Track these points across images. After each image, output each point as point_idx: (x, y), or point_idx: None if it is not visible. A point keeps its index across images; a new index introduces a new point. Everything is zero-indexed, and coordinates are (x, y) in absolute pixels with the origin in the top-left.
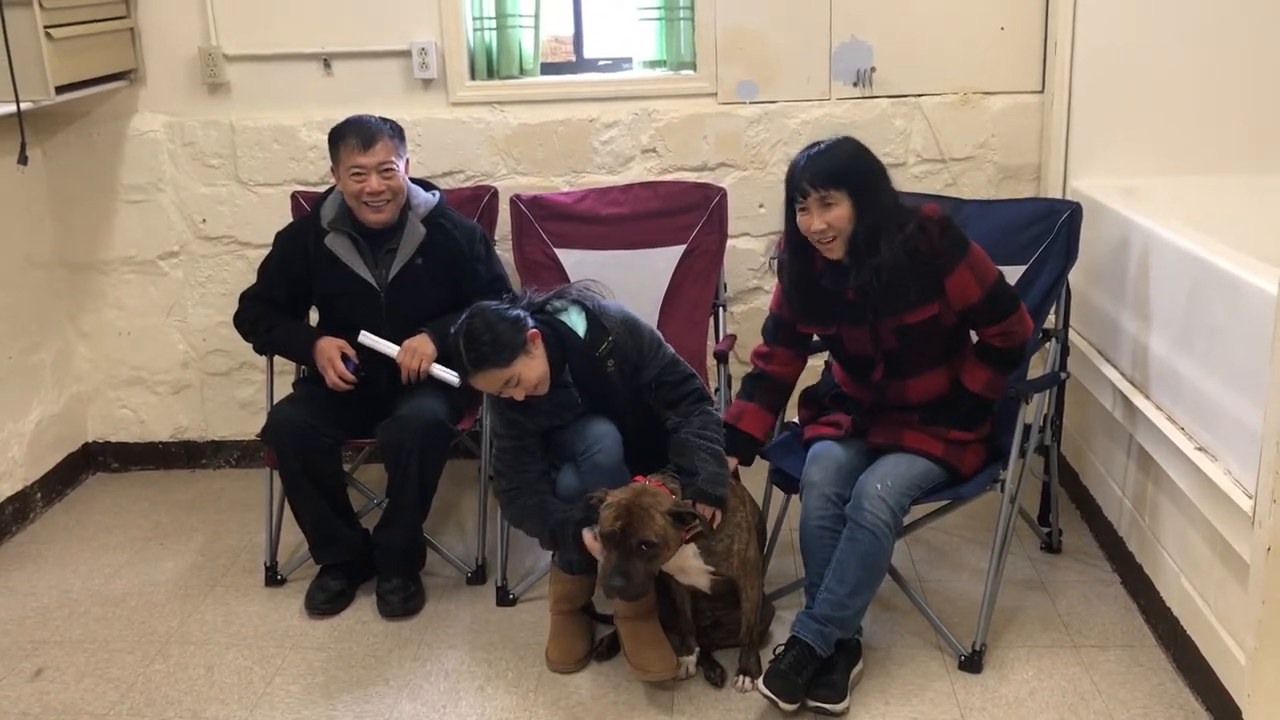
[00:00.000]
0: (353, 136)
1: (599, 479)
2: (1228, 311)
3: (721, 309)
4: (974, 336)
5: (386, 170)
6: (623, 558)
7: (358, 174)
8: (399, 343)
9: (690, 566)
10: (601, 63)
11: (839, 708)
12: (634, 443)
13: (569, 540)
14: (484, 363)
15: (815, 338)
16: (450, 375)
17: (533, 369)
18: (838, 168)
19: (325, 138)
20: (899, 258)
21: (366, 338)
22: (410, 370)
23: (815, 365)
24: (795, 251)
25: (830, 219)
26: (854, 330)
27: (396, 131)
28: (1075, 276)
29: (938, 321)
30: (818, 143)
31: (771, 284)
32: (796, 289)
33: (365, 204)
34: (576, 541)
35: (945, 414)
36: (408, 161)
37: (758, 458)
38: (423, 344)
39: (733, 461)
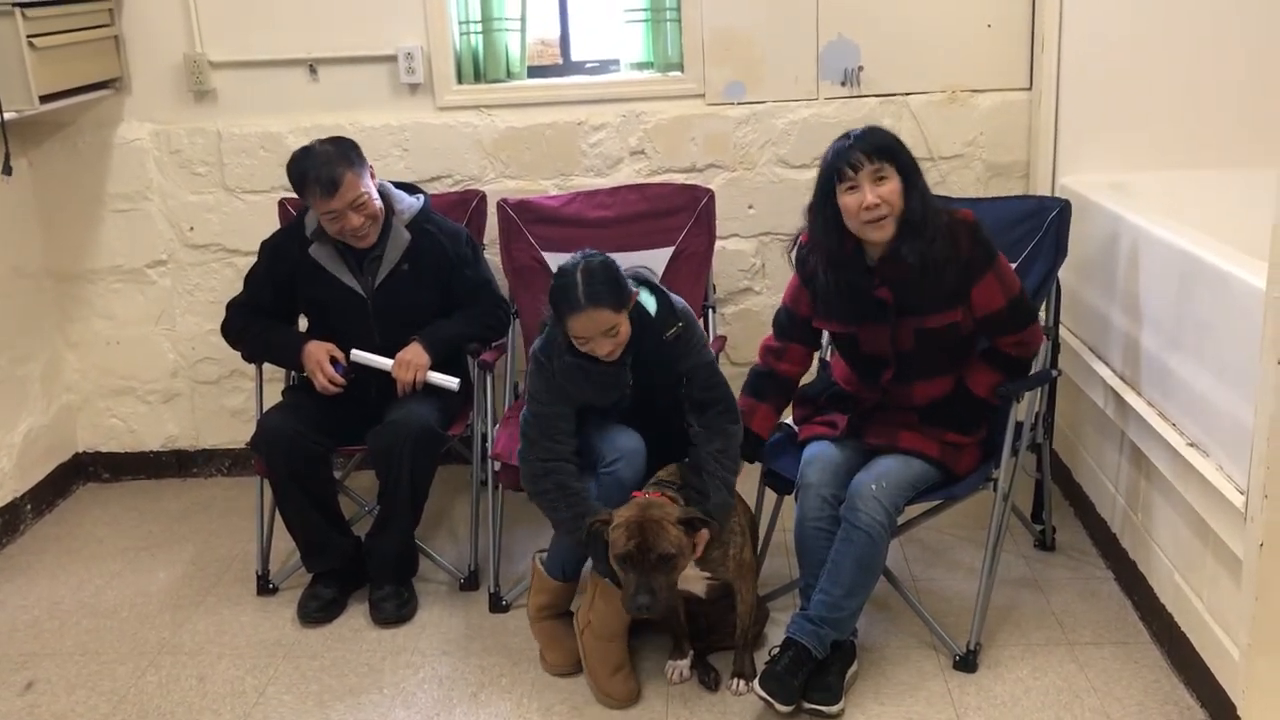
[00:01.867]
0: (314, 185)
1: (616, 494)
2: (1217, 306)
3: (711, 310)
4: (981, 341)
5: (359, 204)
6: (643, 575)
7: (332, 218)
8: (391, 352)
9: (687, 573)
10: (589, 65)
11: (834, 709)
12: (657, 439)
13: (581, 538)
14: (603, 300)
15: (826, 333)
16: (448, 381)
17: (627, 327)
18: (887, 144)
19: None
20: (944, 240)
21: (359, 355)
22: (406, 383)
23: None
24: (834, 241)
25: (884, 193)
26: (874, 330)
27: (354, 156)
28: (1065, 273)
29: (957, 328)
30: (853, 129)
31: (763, 285)
32: (826, 284)
33: (350, 237)
34: (590, 541)
35: (945, 417)
36: (373, 171)
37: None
38: (416, 355)
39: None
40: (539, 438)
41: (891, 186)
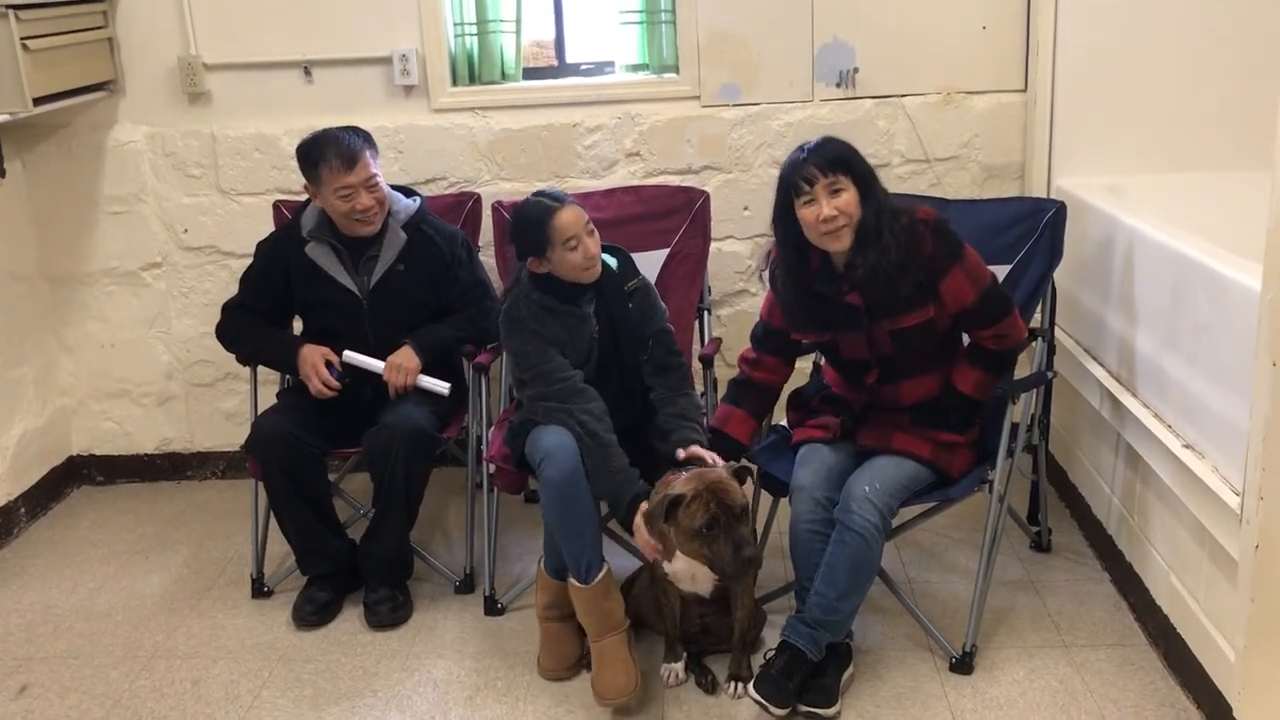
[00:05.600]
0: (334, 158)
1: (553, 494)
2: (1212, 308)
3: (706, 312)
4: (966, 339)
5: (372, 185)
6: (730, 532)
7: (345, 194)
8: (384, 355)
9: (699, 574)
10: (584, 67)
11: (830, 712)
12: (623, 405)
13: (623, 509)
14: (570, 199)
15: (806, 342)
16: (439, 385)
17: (598, 235)
18: (841, 155)
19: None
20: (901, 246)
21: (351, 356)
22: (397, 387)
23: (803, 367)
24: (792, 254)
25: (839, 204)
26: (849, 335)
27: (370, 142)
28: (1060, 275)
29: (932, 325)
30: (807, 142)
31: (758, 287)
32: (791, 296)
33: (357, 220)
34: (629, 513)
35: (936, 416)
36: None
37: (746, 461)
38: (407, 358)
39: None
40: (543, 385)
41: (847, 197)
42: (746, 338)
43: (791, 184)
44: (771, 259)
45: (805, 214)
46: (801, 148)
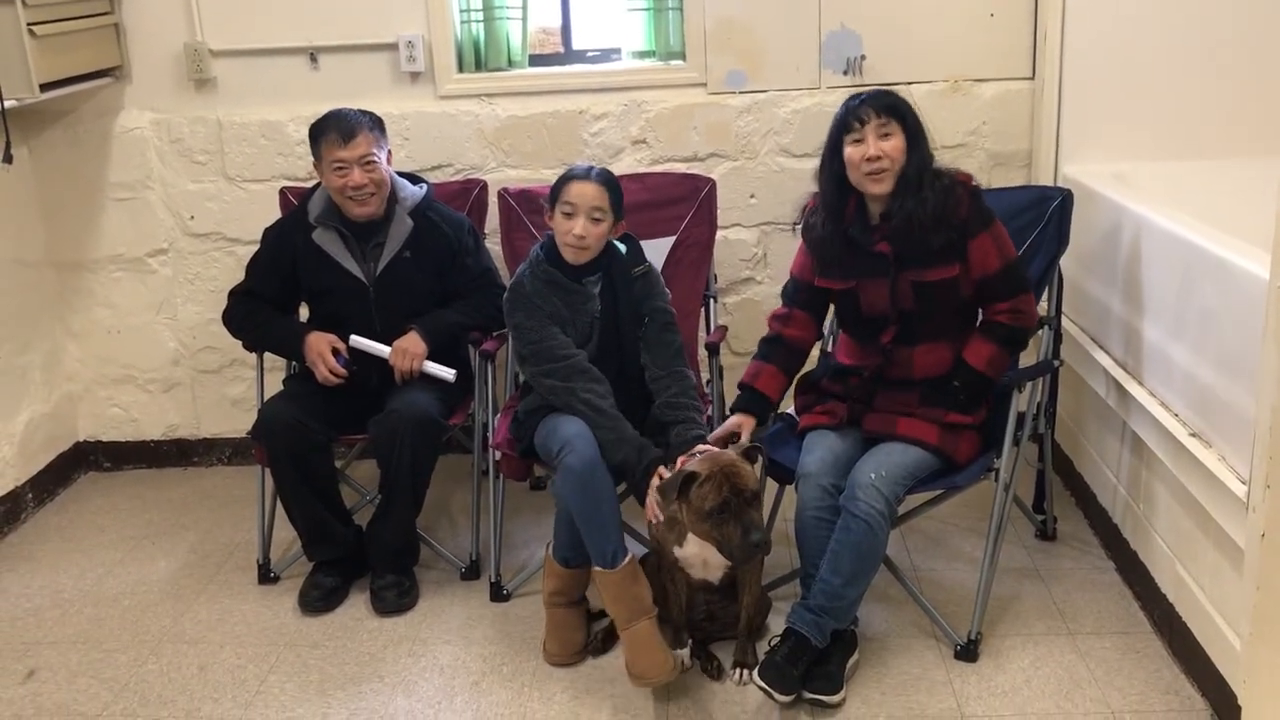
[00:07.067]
0: (332, 131)
1: (570, 483)
2: (1219, 296)
3: (712, 300)
4: (979, 318)
5: (368, 163)
6: (741, 516)
7: (340, 169)
8: (389, 340)
9: (711, 559)
10: (590, 54)
11: (835, 699)
12: (620, 388)
13: (639, 473)
14: (605, 182)
15: (834, 290)
16: (444, 371)
17: (604, 235)
18: (895, 104)
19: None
20: (938, 201)
21: (358, 341)
22: (403, 371)
23: (812, 356)
24: (834, 192)
25: (886, 147)
26: (873, 284)
27: (376, 124)
28: (1067, 263)
29: (955, 285)
30: (865, 87)
31: (764, 274)
32: (826, 236)
33: (350, 198)
34: (644, 477)
35: (945, 394)
36: (390, 154)
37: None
38: (413, 343)
39: (749, 421)
40: (545, 362)
41: (895, 143)
42: (753, 325)
43: (844, 122)
44: (808, 209)
45: (851, 152)
46: (861, 91)
